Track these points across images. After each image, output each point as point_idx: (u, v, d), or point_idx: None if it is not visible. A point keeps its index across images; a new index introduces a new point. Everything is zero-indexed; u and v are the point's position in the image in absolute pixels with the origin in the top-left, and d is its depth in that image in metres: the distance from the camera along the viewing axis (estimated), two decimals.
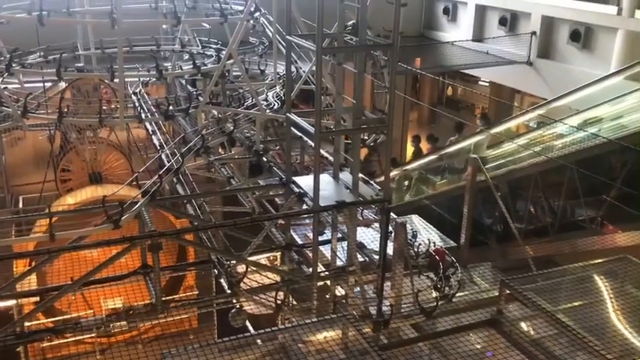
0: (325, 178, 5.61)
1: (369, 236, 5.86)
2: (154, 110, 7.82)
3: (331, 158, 6.03)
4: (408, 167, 11.26)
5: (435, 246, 5.66)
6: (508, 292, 4.89)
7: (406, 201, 10.50)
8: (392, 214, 5.40)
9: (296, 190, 5.68)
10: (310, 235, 5.95)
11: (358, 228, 5.64)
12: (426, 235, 6.70)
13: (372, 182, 5.78)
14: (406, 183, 11.11)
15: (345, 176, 5.65)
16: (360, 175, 5.67)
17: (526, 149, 8.92)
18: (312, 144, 5.78)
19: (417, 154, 13.13)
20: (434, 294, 5.28)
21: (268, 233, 5.81)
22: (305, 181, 5.67)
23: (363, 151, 13.30)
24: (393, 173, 10.80)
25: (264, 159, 6.94)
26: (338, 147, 5.60)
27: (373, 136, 8.05)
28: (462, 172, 10.68)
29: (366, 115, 5.59)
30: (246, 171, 7.44)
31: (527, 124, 11.62)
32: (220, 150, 8.01)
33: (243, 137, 7.58)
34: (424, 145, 14.22)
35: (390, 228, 5.34)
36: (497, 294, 5.05)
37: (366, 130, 6.39)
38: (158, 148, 7.23)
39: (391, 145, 5.18)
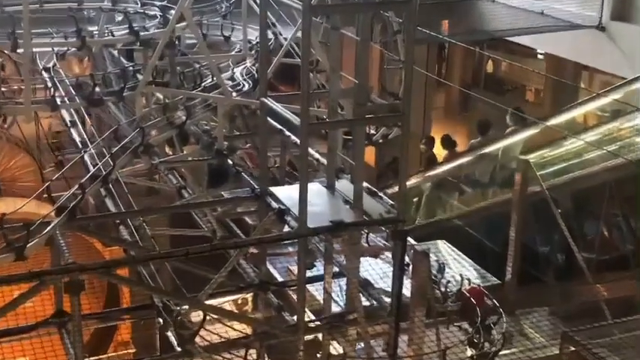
0: (316, 189, 5.62)
1: (377, 271, 5.88)
2: (74, 93, 7.81)
3: (324, 161, 6.05)
4: (416, 180, 11.32)
5: (469, 284, 5.67)
6: (573, 348, 4.91)
7: (429, 221, 10.54)
8: (410, 239, 5.42)
9: (274, 205, 5.69)
10: (294, 269, 5.94)
11: (362, 259, 5.64)
12: (458, 268, 6.73)
13: (381, 195, 5.80)
14: (415, 200, 11.26)
15: (344, 186, 5.67)
16: (366, 184, 5.68)
17: (597, 149, 8.97)
18: (297, 140, 5.79)
19: (430, 163, 13.15)
20: (469, 352, 5.29)
21: (235, 267, 5.80)
22: (287, 193, 5.68)
23: (370, 153, 13.36)
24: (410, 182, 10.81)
25: (230, 162, 6.95)
26: (334, 145, 5.62)
27: (382, 129, 8.08)
28: (487, 187, 10.85)
29: (372, 100, 5.63)
30: (204, 179, 7.45)
31: (598, 113, 11.67)
32: (168, 149, 8.01)
33: (200, 131, 7.60)
34: (439, 150, 14.24)
35: (407, 259, 5.33)
36: (557, 352, 5.06)
37: (373, 121, 6.42)
38: (80, 146, 7.23)
39: (408, 143, 5.21)
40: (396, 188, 5.43)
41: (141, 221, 6.22)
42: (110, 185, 6.34)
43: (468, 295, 5.57)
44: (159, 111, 7.65)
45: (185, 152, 7.60)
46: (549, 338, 6.36)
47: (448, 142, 13.30)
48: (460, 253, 7.35)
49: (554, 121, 10.16)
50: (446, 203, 11.18)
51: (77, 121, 7.75)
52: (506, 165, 10.98)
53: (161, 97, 8.06)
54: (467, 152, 11.96)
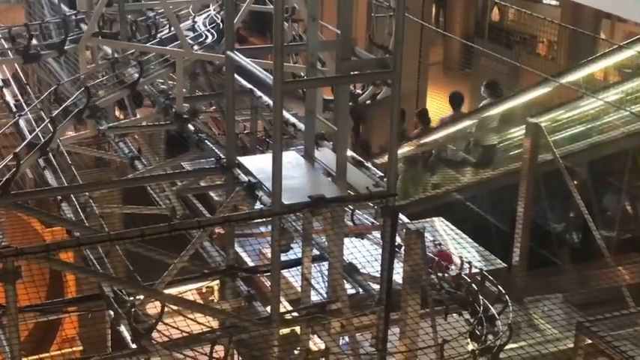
0: (292, 159, 5.65)
1: (364, 254, 5.87)
2: (7, 47, 7.73)
3: (301, 126, 6.04)
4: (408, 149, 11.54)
5: (470, 268, 5.70)
6: (589, 341, 4.96)
7: (424, 195, 10.62)
8: (402, 216, 5.44)
9: (243, 178, 5.70)
10: (267, 252, 5.97)
11: (346, 240, 5.67)
12: (457, 250, 6.77)
13: (368, 165, 5.84)
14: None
15: (325, 155, 5.69)
16: (350, 153, 5.70)
17: (618, 109, 9.02)
18: (270, 102, 5.76)
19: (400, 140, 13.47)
20: (470, 346, 5.33)
21: (198, 250, 5.80)
22: (258, 164, 5.70)
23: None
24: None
25: (191, 127, 6.95)
26: (313, 107, 5.62)
27: (371, 88, 8.09)
28: (461, 165, 11.29)
29: (358, 54, 5.60)
30: (162, 147, 7.42)
31: (621, 68, 11.72)
32: (118, 113, 7.96)
33: (156, 92, 7.56)
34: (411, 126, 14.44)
35: (399, 240, 5.36)
36: (572, 345, 5.11)
37: (359, 78, 6.42)
38: (14, 109, 7.18)
39: (399, 103, 5.21)
40: (385, 158, 5.45)
41: (87, 197, 6.20)
42: (50, 155, 6.31)
43: (436, 258, 5.62)
44: (107, 67, 7.59)
45: (138, 116, 7.56)
46: (563, 329, 6.41)
47: (422, 117, 13.49)
48: (460, 232, 7.40)
49: (569, 79, 10.24)
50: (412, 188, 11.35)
51: (10, 79, 7.68)
52: (480, 143, 11.30)
53: (109, 51, 8.00)
54: (438, 129, 12.27)
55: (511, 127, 11.32)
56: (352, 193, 5.37)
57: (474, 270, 5.66)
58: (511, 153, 10.81)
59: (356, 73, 5.53)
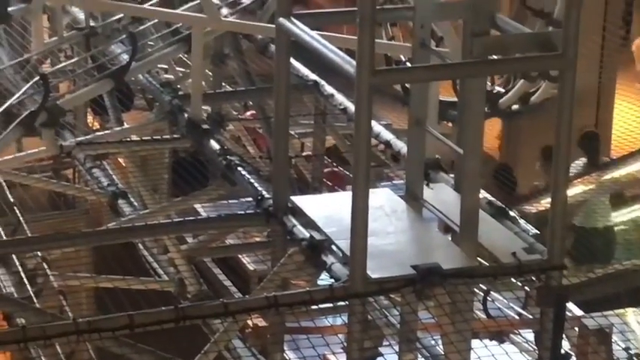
0: (385, 201, 5.71)
1: None
2: None
3: (402, 146, 6.04)
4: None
5: None
6: None
7: (612, 268, 10.55)
8: (572, 305, 5.45)
9: (301, 232, 5.75)
10: None
11: (476, 343, 5.62)
12: None
13: (514, 215, 5.84)
14: None
15: (441, 196, 5.73)
16: (484, 194, 5.72)
17: None
18: (348, 105, 5.77)
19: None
20: None
21: (222, 354, 5.83)
22: (326, 209, 5.76)
23: (492, 128, 13.31)
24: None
25: (215, 145, 7.02)
26: (422, 114, 5.65)
27: (520, 84, 8.08)
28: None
29: (501, 25, 5.58)
30: (164, 178, 7.49)
31: None
32: (92, 119, 8.05)
33: (157, 85, 7.62)
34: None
35: (567, 345, 5.33)
36: None
37: (504, 67, 6.39)
38: None
39: (571, 108, 5.19)
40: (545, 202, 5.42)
41: (39, 260, 6.25)
42: None
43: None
44: (77, 43, 7.68)
45: (126, 126, 7.64)
46: None
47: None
48: None
49: None
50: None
51: None
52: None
53: (81, 15, 8.09)
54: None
55: None
56: (486, 263, 5.38)
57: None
58: None
59: (498, 58, 5.52)
